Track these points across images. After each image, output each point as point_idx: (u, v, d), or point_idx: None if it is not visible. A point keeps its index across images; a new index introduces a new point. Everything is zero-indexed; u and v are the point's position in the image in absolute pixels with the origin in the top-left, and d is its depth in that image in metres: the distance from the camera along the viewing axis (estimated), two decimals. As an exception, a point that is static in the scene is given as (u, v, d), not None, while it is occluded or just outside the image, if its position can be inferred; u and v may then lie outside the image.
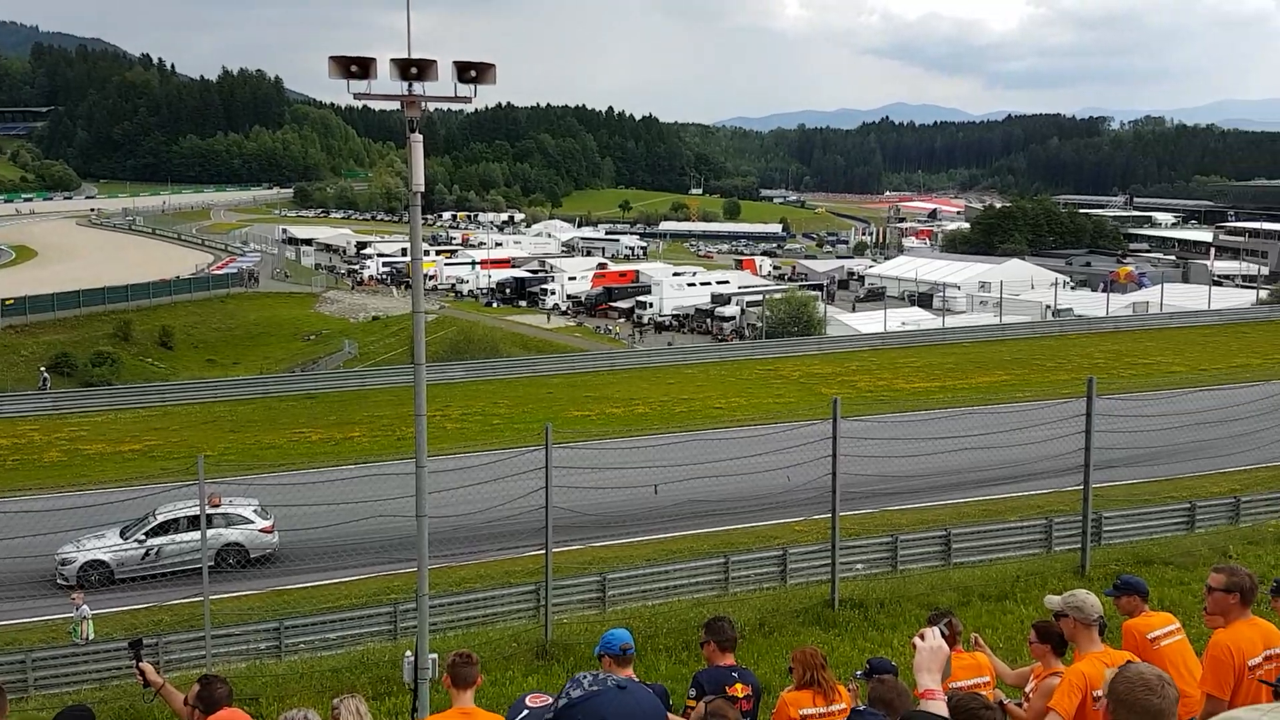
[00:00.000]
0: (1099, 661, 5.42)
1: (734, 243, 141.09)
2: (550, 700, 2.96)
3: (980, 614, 11.64)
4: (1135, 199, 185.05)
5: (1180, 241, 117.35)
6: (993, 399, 31.70)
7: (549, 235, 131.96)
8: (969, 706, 3.91)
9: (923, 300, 66.56)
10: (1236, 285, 73.68)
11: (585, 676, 2.03)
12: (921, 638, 3.19)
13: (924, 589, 13.34)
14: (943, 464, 21.58)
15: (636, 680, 2.14)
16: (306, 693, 11.29)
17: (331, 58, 7.42)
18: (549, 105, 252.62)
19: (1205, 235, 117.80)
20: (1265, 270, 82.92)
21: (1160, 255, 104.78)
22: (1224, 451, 22.72)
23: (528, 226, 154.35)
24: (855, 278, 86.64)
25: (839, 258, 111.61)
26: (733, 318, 61.70)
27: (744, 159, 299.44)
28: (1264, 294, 64.69)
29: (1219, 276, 78.60)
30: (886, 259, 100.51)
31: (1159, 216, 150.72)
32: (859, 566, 16.12)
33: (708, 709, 4.84)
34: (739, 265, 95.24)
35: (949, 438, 20.90)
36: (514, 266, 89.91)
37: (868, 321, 53.16)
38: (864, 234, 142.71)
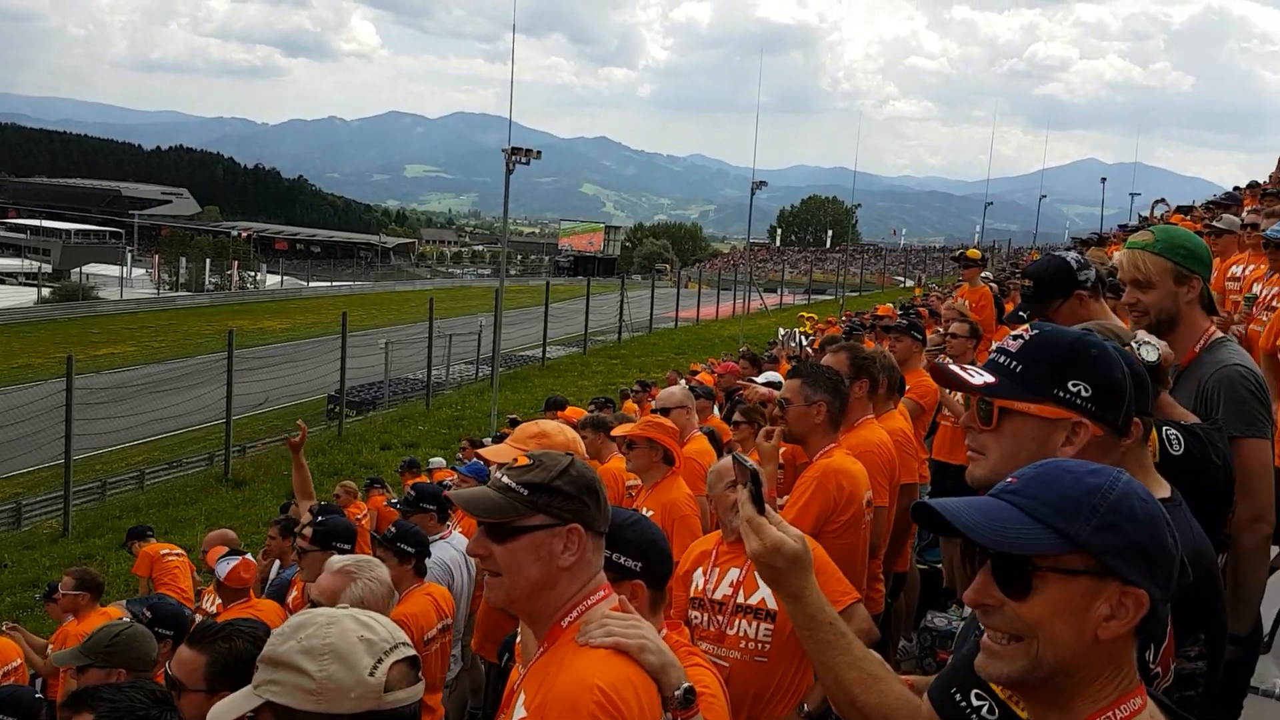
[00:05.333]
0: None
1: None
2: None
3: None
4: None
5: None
6: None
7: None
8: None
9: None
10: (20, 284, 72.56)
11: None
12: None
13: None
14: None
15: None
16: None
17: None
18: None
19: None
20: (49, 268, 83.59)
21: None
22: (8, 455, 22.33)
23: None
24: None
25: None
26: None
27: None
28: (47, 291, 65.51)
29: (1, 275, 76.50)
30: None
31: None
32: None
33: None
34: None
35: None
36: None
37: None
38: None
